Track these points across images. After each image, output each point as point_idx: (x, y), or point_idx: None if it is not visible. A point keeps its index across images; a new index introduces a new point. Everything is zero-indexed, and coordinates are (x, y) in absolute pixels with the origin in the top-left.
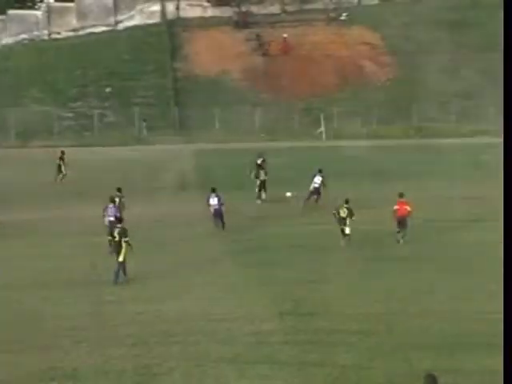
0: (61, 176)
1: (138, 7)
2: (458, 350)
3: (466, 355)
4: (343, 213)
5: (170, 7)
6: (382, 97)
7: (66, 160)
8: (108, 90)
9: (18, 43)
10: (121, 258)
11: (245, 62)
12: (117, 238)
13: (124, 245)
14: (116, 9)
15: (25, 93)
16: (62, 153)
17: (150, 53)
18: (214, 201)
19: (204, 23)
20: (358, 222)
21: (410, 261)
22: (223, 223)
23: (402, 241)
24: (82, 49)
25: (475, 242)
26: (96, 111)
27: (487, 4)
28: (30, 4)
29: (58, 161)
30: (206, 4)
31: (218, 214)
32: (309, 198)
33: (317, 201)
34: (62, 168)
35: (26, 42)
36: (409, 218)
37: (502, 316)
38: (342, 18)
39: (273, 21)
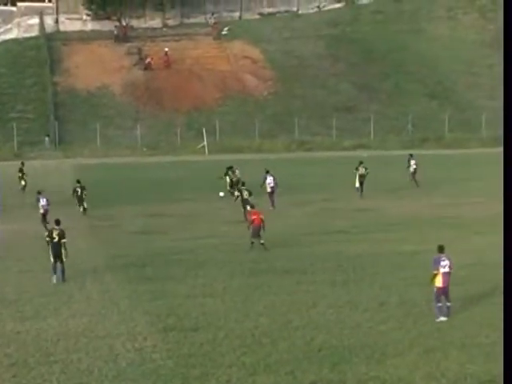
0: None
1: (16, 20)
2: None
3: (348, 366)
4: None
5: (49, 21)
6: (263, 111)
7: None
8: None
9: None
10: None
11: (126, 76)
12: (55, 239)
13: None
14: None
15: None
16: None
17: (29, 66)
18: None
19: (84, 37)
20: (235, 235)
21: (292, 274)
22: None
23: (262, 244)
24: None
25: (358, 253)
26: None
27: (365, 19)
28: None
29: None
30: (85, 17)
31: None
32: (272, 201)
33: (273, 200)
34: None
35: None
36: (262, 226)
37: (385, 327)
38: (224, 32)
39: (154, 35)
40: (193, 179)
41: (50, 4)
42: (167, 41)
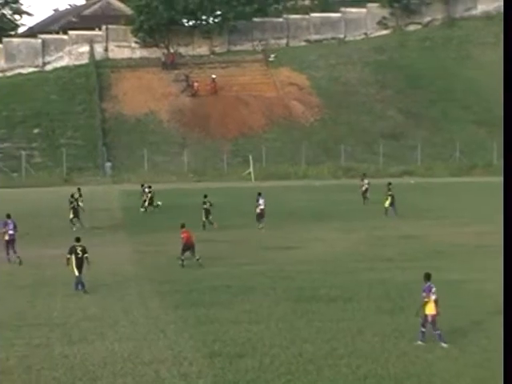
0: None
1: (67, 48)
2: None
3: None
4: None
5: (99, 48)
6: (310, 137)
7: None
8: (36, 130)
9: None
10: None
11: (173, 103)
12: (80, 255)
13: (85, 260)
14: (44, 50)
15: None
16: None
17: (79, 93)
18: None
19: (132, 64)
20: (281, 262)
21: (338, 301)
22: None
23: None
24: (9, 89)
25: (405, 280)
26: (23, 152)
27: (413, 46)
28: None
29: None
30: (134, 45)
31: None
32: (259, 221)
33: (261, 218)
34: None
35: None
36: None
37: (431, 356)
38: (271, 59)
39: (201, 62)
40: (239, 205)
41: (100, 32)
42: (214, 68)
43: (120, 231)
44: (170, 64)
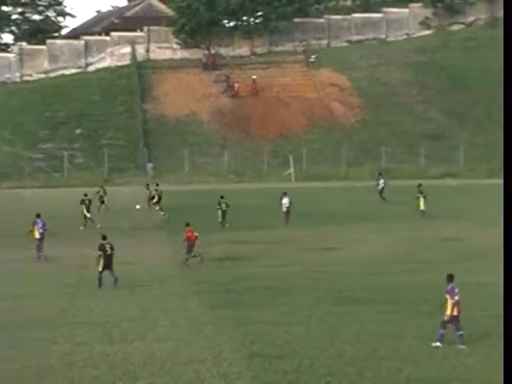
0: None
1: (109, 49)
2: None
3: None
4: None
5: (140, 49)
6: (350, 138)
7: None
8: (78, 131)
9: None
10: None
11: (214, 104)
12: (109, 252)
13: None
14: (87, 51)
15: None
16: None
17: (120, 94)
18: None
19: (173, 65)
20: (321, 263)
21: (377, 303)
22: None
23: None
24: (52, 91)
25: (444, 283)
26: (66, 152)
27: (456, 46)
28: (2, 47)
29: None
30: (175, 46)
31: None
32: (287, 219)
33: (287, 217)
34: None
35: None
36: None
37: (472, 360)
38: (311, 59)
39: (242, 63)
40: (278, 206)
41: (142, 33)
42: (255, 68)
43: (159, 232)
44: (211, 65)
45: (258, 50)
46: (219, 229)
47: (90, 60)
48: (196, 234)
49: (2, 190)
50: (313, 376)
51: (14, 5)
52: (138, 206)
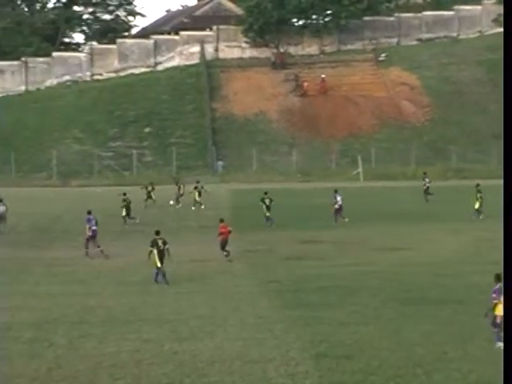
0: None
1: (178, 49)
2: None
3: None
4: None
5: (209, 48)
6: (420, 138)
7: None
8: (147, 129)
9: (61, 84)
10: (160, 264)
11: (282, 103)
12: (161, 247)
13: (166, 252)
14: (156, 50)
15: (66, 133)
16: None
17: (189, 93)
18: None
19: (242, 64)
20: (391, 263)
21: (448, 304)
22: None
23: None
24: (122, 89)
25: None
26: (135, 151)
27: None
28: (73, 46)
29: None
30: (244, 45)
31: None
32: (336, 216)
33: (341, 216)
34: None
35: (69, 83)
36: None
37: None
38: (381, 58)
39: (311, 61)
40: (347, 206)
41: (211, 33)
42: (324, 67)
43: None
44: (280, 64)
45: (327, 49)
46: (286, 228)
47: (160, 59)
48: (229, 228)
49: (72, 188)
50: (381, 377)
51: (85, 5)
52: (171, 202)
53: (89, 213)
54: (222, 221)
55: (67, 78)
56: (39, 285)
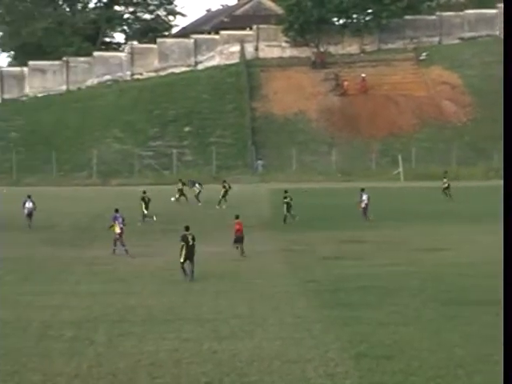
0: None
1: (218, 48)
2: None
3: None
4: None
5: (249, 48)
6: (462, 137)
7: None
8: (187, 129)
9: (102, 84)
10: (188, 259)
11: (322, 102)
12: (190, 243)
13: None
14: (196, 50)
15: (107, 132)
16: (144, 192)
17: (229, 92)
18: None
19: (282, 63)
20: (431, 263)
21: (489, 305)
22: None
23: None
24: (162, 89)
25: None
26: (175, 150)
27: None
28: (114, 46)
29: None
30: (284, 44)
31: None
32: (365, 214)
33: (366, 214)
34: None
35: (109, 82)
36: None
37: None
38: (422, 57)
39: (351, 61)
40: (386, 206)
41: (251, 32)
42: (364, 66)
43: (268, 229)
44: (320, 63)
45: (368, 48)
46: (325, 228)
47: (200, 58)
48: (241, 226)
49: (112, 187)
50: (421, 378)
51: (126, 4)
52: (172, 199)
53: (116, 211)
54: (237, 217)
55: (108, 77)
56: (80, 284)
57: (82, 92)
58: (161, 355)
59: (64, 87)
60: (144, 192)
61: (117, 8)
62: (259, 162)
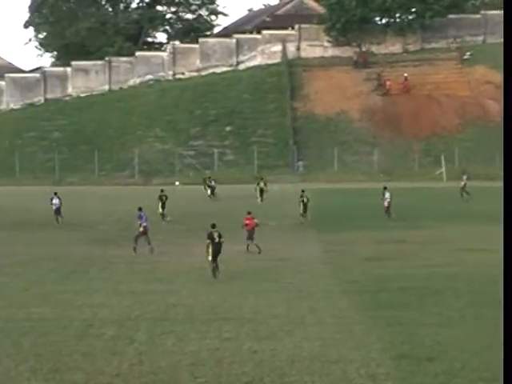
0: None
1: (260, 48)
2: None
3: None
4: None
5: (291, 47)
6: None
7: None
8: (228, 128)
9: (143, 84)
10: (214, 257)
11: (364, 102)
12: (217, 240)
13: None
14: (238, 49)
15: (149, 132)
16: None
17: (270, 92)
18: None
19: (324, 63)
20: (475, 264)
21: None
22: None
23: (258, 249)
24: (204, 88)
25: None
26: (216, 150)
27: None
28: (156, 46)
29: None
30: (326, 44)
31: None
32: (387, 212)
33: (388, 212)
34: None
35: (151, 82)
36: (256, 230)
37: None
38: (466, 57)
39: (394, 60)
40: (429, 206)
41: (293, 32)
42: (407, 66)
43: (309, 230)
44: (362, 63)
45: (411, 48)
46: (365, 228)
47: (241, 58)
48: (256, 221)
49: (153, 187)
50: (464, 380)
51: (168, 4)
52: (177, 183)
53: (139, 209)
54: (249, 213)
55: (150, 77)
56: (121, 282)
57: (124, 92)
58: (202, 354)
59: (106, 87)
60: (162, 190)
61: (159, 8)
62: (300, 162)
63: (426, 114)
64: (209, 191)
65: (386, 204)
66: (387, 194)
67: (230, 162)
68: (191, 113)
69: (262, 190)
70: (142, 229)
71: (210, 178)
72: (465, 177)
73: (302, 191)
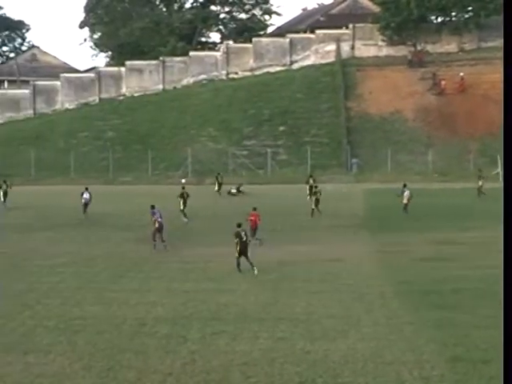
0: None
1: (314, 47)
2: None
3: None
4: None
5: (345, 47)
6: None
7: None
8: (281, 128)
9: (197, 83)
10: (242, 255)
11: (418, 101)
12: (243, 239)
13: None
14: (292, 49)
15: (202, 131)
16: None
17: (324, 92)
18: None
19: (378, 62)
20: None
21: None
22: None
23: (258, 242)
24: (257, 88)
25: None
26: (269, 149)
27: None
28: (210, 45)
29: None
30: (380, 43)
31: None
32: (405, 209)
33: (406, 210)
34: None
35: (205, 82)
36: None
37: None
38: None
39: (449, 59)
40: (484, 206)
41: (347, 31)
42: (462, 65)
43: (362, 230)
44: (417, 62)
45: (467, 47)
46: (418, 228)
47: (295, 58)
48: (256, 218)
49: (206, 186)
50: None
51: (222, 4)
52: (183, 180)
53: (152, 207)
54: (254, 209)
55: (203, 76)
56: (173, 281)
57: (177, 91)
58: (254, 354)
59: (160, 86)
60: (183, 188)
61: (213, 8)
62: (354, 161)
63: (482, 113)
64: (216, 187)
65: (405, 201)
66: (406, 192)
67: (283, 162)
68: (245, 112)
69: (311, 188)
70: (157, 225)
71: (219, 174)
72: (482, 177)
73: (316, 187)
